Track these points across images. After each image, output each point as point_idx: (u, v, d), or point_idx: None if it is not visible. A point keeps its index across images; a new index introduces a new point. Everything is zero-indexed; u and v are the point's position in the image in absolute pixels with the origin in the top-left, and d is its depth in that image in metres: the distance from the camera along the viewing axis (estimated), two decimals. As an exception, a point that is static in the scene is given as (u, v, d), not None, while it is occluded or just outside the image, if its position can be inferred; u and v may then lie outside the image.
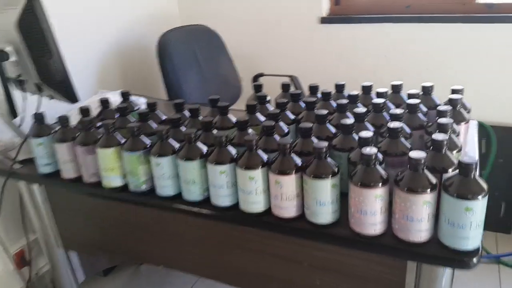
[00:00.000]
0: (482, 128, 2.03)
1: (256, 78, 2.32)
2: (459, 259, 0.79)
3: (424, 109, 1.12)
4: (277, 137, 1.01)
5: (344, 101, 1.09)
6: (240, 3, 2.38)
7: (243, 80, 2.36)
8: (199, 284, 1.80)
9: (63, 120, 1.16)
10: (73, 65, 1.87)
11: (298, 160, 0.92)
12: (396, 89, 1.19)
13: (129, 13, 2.20)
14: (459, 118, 1.05)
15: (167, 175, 1.04)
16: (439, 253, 0.81)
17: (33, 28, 1.17)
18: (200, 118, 1.17)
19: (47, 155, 1.22)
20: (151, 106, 1.24)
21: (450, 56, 2.04)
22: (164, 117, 1.25)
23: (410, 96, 1.12)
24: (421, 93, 1.16)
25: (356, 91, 1.17)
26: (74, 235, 1.42)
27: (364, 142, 0.89)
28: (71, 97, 1.27)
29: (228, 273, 1.15)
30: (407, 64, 2.12)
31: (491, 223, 2.09)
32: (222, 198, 0.99)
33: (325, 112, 1.04)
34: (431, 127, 1.00)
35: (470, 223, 0.77)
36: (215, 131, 1.08)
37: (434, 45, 2.05)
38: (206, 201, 1.03)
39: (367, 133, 0.90)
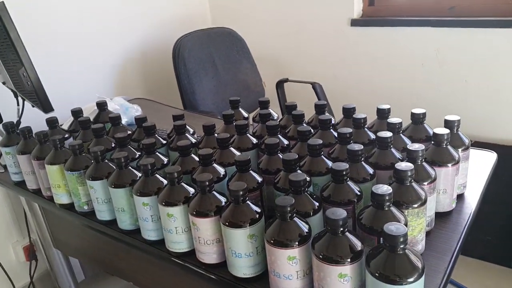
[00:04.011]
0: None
1: (280, 83, 2.17)
2: None
3: (407, 141, 0.91)
4: (218, 168, 0.88)
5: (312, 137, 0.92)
6: (266, 4, 2.23)
7: (266, 85, 2.23)
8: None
9: (24, 131, 1.14)
10: (93, 69, 1.94)
11: (222, 200, 0.78)
12: (382, 114, 0.98)
13: (157, 14, 2.16)
14: (444, 159, 0.83)
15: (101, 199, 0.96)
16: None
17: (3, 38, 1.16)
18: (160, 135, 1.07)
19: (14, 165, 1.21)
20: (115, 120, 1.17)
21: (495, 66, 1.71)
22: (128, 132, 1.17)
23: (389, 125, 0.91)
24: (411, 122, 0.95)
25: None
26: (65, 240, 1.41)
27: (295, 187, 0.72)
28: (45, 106, 1.25)
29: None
30: (445, 74, 1.83)
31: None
32: (148, 232, 0.89)
33: (275, 141, 0.89)
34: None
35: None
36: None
37: (478, 53, 1.74)
38: (138, 231, 0.93)
39: (298, 176, 0.73)
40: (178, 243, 0.84)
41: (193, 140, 1.04)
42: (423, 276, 0.57)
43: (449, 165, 0.83)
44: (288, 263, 0.66)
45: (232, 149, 0.95)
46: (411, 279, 0.56)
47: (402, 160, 0.84)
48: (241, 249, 0.73)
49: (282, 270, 0.67)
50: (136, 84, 2.13)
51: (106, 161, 0.96)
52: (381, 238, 0.64)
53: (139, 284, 1.05)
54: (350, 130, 0.88)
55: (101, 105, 1.29)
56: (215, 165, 0.88)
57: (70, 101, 1.55)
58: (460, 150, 0.88)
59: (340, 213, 0.62)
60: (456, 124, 0.89)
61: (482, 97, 1.74)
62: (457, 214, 0.88)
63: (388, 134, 0.84)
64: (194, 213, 0.77)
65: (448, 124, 0.89)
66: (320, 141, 0.85)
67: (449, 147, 0.84)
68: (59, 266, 1.54)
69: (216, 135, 1.02)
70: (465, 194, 0.94)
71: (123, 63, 2.04)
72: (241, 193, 0.72)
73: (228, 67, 2.10)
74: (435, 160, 0.83)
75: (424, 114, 0.93)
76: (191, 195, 0.81)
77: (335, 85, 2.07)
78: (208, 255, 0.80)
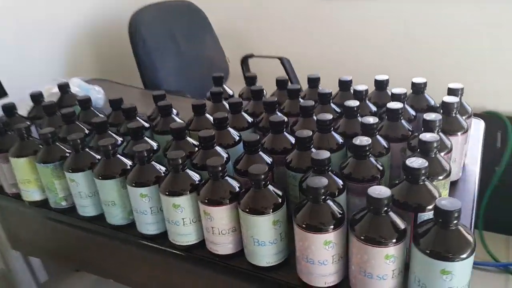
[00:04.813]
0: (498, 120, 1.77)
1: (245, 59, 2.09)
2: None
3: (412, 112, 0.89)
4: (220, 150, 0.80)
5: (311, 102, 0.87)
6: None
7: (230, 61, 2.13)
8: None
9: (-23, 121, 0.98)
10: (38, 48, 1.72)
11: (235, 185, 0.71)
12: (380, 85, 0.95)
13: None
14: (454, 128, 0.82)
15: (85, 193, 0.85)
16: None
17: None
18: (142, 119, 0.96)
19: (-32, 159, 1.04)
20: (84, 102, 1.04)
21: (463, 38, 1.75)
22: (102, 117, 1.04)
23: (394, 96, 0.88)
24: (411, 91, 0.92)
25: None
26: (26, 240, 1.25)
27: (319, 166, 0.67)
28: (-3, 91, 1.08)
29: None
30: (413, 47, 1.85)
31: (504, 226, 1.86)
32: (146, 225, 0.80)
33: (282, 118, 0.82)
34: (415, 140, 0.77)
35: (449, 289, 0.55)
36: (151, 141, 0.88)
37: (446, 25, 1.77)
38: (132, 226, 0.84)
39: (321, 154, 0.68)
40: (185, 235, 0.76)
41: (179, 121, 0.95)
42: (474, 253, 0.55)
43: (459, 134, 0.82)
44: (324, 248, 0.61)
45: (230, 129, 0.87)
46: (464, 255, 0.54)
47: (412, 132, 0.81)
48: (265, 236, 0.67)
49: (317, 255, 0.62)
50: (88, 64, 1.94)
51: (87, 150, 0.85)
52: (418, 214, 0.62)
53: (128, 283, 0.95)
54: (357, 102, 0.84)
55: (64, 87, 1.15)
56: (217, 147, 0.80)
57: (12, 86, 1.38)
58: (464, 118, 0.87)
59: (385, 191, 0.57)
60: (460, 92, 0.88)
61: (451, 67, 1.79)
62: (463, 183, 0.88)
63: (398, 105, 0.81)
64: (206, 201, 0.70)
65: (452, 92, 0.88)
66: (331, 116, 0.80)
67: (458, 115, 0.83)
68: (18, 268, 1.39)
69: (207, 115, 0.94)
70: (465, 161, 0.94)
71: (72, 41, 1.84)
72: (262, 176, 0.66)
73: (190, 43, 1.98)
74: (445, 130, 0.81)
75: (425, 84, 0.91)
76: (197, 182, 0.73)
77: (303, 60, 2.02)
78: (223, 245, 0.73)
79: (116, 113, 1.01)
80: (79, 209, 0.88)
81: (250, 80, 1.08)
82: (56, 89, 1.23)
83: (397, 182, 0.66)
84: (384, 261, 0.57)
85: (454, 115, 0.82)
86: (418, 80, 0.92)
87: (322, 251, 0.61)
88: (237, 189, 0.70)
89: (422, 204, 0.62)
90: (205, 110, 0.94)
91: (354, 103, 0.84)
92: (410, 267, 0.59)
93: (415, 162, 0.63)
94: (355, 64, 1.91)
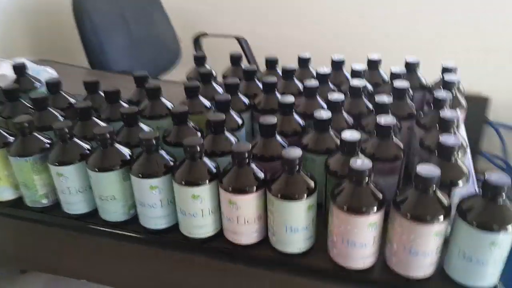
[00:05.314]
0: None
1: (197, 39, 2.00)
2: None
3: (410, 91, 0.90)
4: (229, 136, 0.75)
5: (314, 82, 0.84)
6: None
7: (182, 41, 2.03)
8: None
9: None
10: None
11: (259, 172, 0.66)
12: (374, 65, 0.96)
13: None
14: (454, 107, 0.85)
15: (75, 188, 0.74)
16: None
17: None
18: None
19: None
20: (53, 85, 0.91)
21: (415, 19, 1.83)
22: (73, 101, 0.93)
23: (393, 75, 0.89)
24: (405, 70, 0.93)
25: (326, 68, 0.91)
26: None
27: (350, 147, 0.65)
28: None
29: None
30: (367, 27, 1.90)
31: None
32: (155, 220, 0.72)
33: (291, 99, 0.79)
34: (424, 118, 0.79)
35: (494, 259, 0.57)
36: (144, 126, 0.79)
37: (398, 5, 1.83)
38: (133, 221, 0.76)
39: (353, 135, 0.66)
40: (203, 227, 0.70)
41: (169, 105, 0.88)
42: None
43: (458, 110, 0.85)
44: (368, 230, 0.60)
45: (232, 112, 0.82)
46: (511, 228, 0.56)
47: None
48: (299, 222, 0.64)
49: (360, 238, 0.60)
50: (22, 44, 1.72)
51: (75, 139, 0.74)
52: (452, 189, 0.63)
53: (126, 285, 0.86)
54: (317, 83, 0.83)
55: (20, 69, 1.00)
56: (226, 132, 0.75)
57: None
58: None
59: (434, 170, 0.57)
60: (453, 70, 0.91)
61: (404, 49, 1.86)
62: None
63: (405, 84, 0.82)
64: (231, 189, 0.65)
65: (446, 70, 0.90)
66: (342, 97, 0.78)
67: (458, 94, 0.86)
68: None
69: (200, 97, 0.87)
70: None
71: (6, 18, 1.62)
72: (297, 161, 0.62)
73: (139, 21, 1.85)
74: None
75: (418, 64, 0.93)
76: (215, 170, 0.68)
77: (258, 41, 1.98)
78: (248, 235, 0.68)
79: (93, 97, 0.90)
80: (64, 207, 0.78)
81: (199, 60, 1.02)
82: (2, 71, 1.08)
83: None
84: (433, 238, 0.58)
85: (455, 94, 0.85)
86: (411, 59, 0.93)
87: (366, 233, 0.60)
88: (263, 175, 0.66)
89: (455, 180, 0.63)
90: (198, 92, 0.87)
91: (313, 82, 0.83)
92: (453, 241, 0.60)
93: (448, 139, 0.63)
94: (313, 44, 1.92)
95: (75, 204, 0.76)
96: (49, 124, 0.79)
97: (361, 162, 0.60)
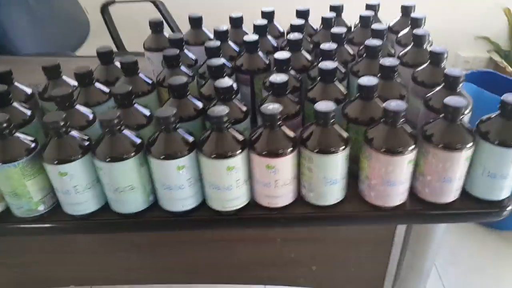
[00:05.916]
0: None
1: (105, 8, 1.81)
2: (494, 211, 0.69)
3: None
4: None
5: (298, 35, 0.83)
6: None
7: (88, 13, 1.82)
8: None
9: None
10: None
11: (289, 131, 0.66)
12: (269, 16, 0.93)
13: None
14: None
15: (82, 186, 0.66)
16: (471, 208, 0.69)
17: None
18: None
19: None
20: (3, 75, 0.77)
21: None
22: (28, 91, 0.79)
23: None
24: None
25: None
26: None
27: (368, 92, 0.67)
28: None
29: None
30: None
31: None
32: (182, 201, 0.68)
33: (287, 55, 0.77)
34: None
35: (513, 171, 0.65)
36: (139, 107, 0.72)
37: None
38: (153, 207, 0.70)
39: (370, 80, 0.68)
40: (236, 199, 0.68)
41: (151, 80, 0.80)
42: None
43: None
44: (407, 167, 0.64)
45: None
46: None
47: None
48: (338, 173, 0.65)
49: (401, 176, 0.64)
50: None
51: (72, 132, 0.65)
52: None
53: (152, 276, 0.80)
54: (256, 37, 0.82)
55: None
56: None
57: None
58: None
59: (461, 100, 0.62)
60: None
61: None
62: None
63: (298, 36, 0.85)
64: (267, 153, 0.63)
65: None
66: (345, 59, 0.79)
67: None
68: None
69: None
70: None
71: None
72: (332, 115, 0.63)
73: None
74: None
75: (414, 8, 0.95)
76: (242, 138, 0.65)
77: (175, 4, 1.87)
78: (284, 197, 0.68)
79: (54, 83, 0.78)
80: (70, 208, 0.68)
81: (156, 26, 0.90)
82: None
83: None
84: (463, 163, 0.64)
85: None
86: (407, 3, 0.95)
87: (405, 171, 0.64)
88: (293, 134, 0.65)
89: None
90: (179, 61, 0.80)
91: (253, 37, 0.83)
92: (476, 162, 0.66)
93: (453, 71, 0.69)
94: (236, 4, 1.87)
95: (82, 204, 0.68)
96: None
97: (395, 103, 0.62)
